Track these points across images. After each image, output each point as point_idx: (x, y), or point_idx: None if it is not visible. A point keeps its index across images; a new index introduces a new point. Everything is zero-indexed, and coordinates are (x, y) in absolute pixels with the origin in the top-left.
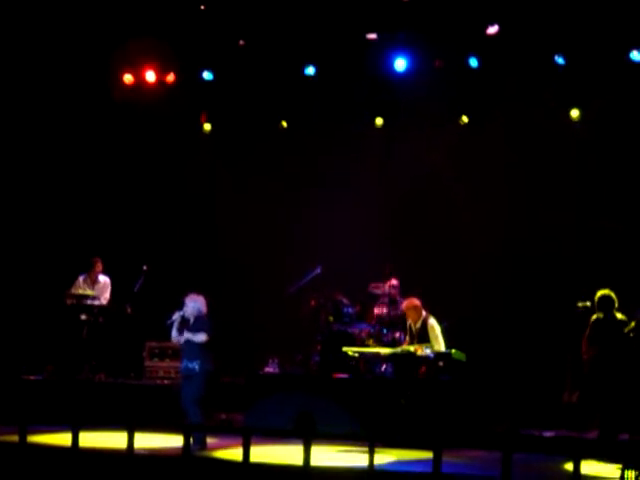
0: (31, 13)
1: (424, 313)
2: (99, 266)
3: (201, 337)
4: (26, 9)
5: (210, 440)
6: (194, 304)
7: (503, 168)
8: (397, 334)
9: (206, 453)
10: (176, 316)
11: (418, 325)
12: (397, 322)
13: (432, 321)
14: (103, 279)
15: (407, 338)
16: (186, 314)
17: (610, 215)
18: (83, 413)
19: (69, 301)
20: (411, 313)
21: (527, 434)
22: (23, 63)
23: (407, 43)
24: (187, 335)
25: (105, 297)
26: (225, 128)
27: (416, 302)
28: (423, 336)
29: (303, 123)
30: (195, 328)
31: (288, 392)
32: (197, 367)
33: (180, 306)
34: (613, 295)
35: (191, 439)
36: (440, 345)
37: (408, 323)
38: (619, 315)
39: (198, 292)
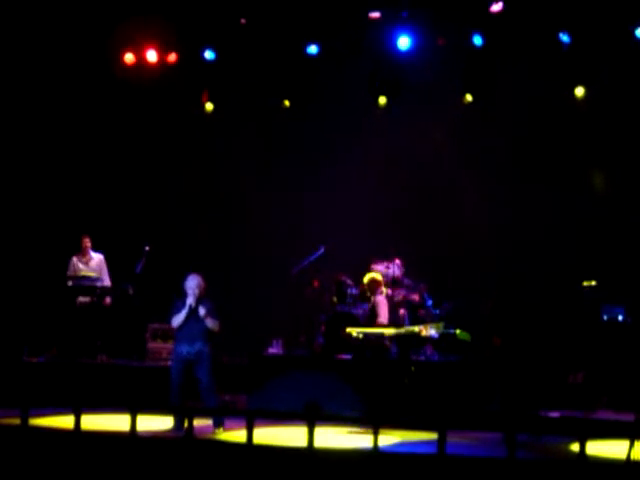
0: None
1: (380, 289)
2: (87, 242)
3: (216, 324)
4: None
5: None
6: (197, 281)
7: (507, 147)
8: (401, 314)
9: (210, 435)
10: (187, 306)
11: (372, 299)
12: (400, 302)
13: (379, 297)
14: (96, 256)
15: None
16: (194, 297)
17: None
18: (85, 395)
19: (71, 283)
20: (368, 287)
21: (533, 415)
22: (23, 42)
23: (410, 21)
24: (209, 322)
25: (106, 277)
26: (227, 107)
27: (371, 276)
28: (373, 310)
29: (305, 102)
30: (208, 313)
31: (292, 374)
32: (207, 349)
33: (181, 291)
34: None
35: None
36: (384, 320)
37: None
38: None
39: (195, 272)
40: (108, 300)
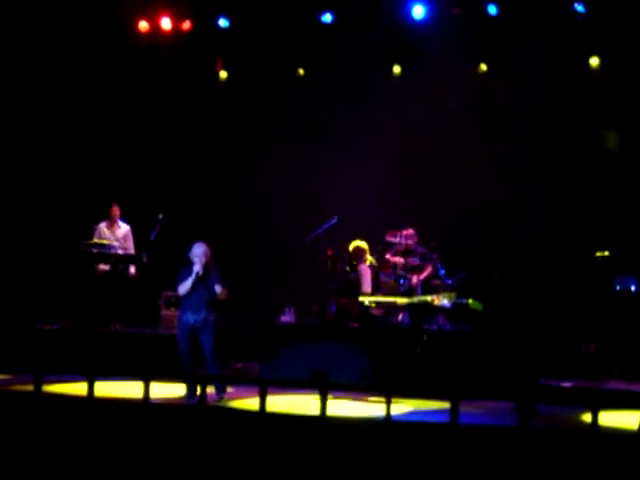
0: None
1: (365, 257)
2: (116, 211)
3: (224, 291)
4: None
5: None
6: (202, 249)
7: (521, 117)
8: (414, 283)
9: (222, 402)
10: (195, 274)
11: (357, 268)
12: (414, 271)
13: (363, 266)
14: (124, 226)
15: None
16: (201, 265)
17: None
18: (99, 363)
19: (86, 250)
20: (354, 255)
21: (545, 384)
22: (39, 11)
23: None
24: (217, 290)
25: (131, 249)
26: (241, 76)
27: (356, 244)
28: (358, 279)
29: (320, 71)
30: (215, 280)
31: (305, 342)
32: (212, 317)
33: (188, 259)
34: None
35: (213, 389)
36: (367, 289)
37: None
38: None
39: (201, 240)
40: (132, 270)
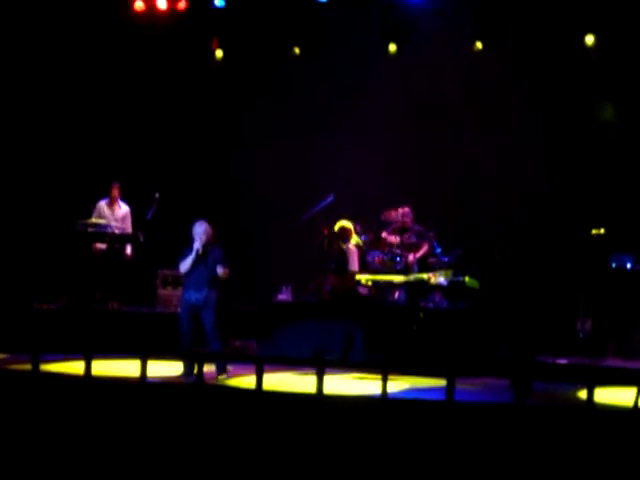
0: None
1: (351, 237)
2: (116, 192)
3: (226, 271)
4: None
5: None
6: (204, 227)
7: (517, 95)
8: (410, 261)
9: (220, 381)
10: (195, 251)
11: (342, 247)
12: (410, 249)
13: (349, 246)
14: (124, 207)
15: None
16: (200, 242)
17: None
18: (96, 342)
19: (83, 229)
20: (340, 235)
21: (541, 362)
22: None
23: None
24: (219, 269)
25: (129, 230)
26: (237, 55)
27: (342, 224)
28: (343, 258)
29: (316, 49)
30: (218, 260)
31: (302, 321)
32: (213, 295)
33: (189, 238)
34: None
35: (214, 367)
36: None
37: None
38: None
39: (202, 218)
40: (129, 251)
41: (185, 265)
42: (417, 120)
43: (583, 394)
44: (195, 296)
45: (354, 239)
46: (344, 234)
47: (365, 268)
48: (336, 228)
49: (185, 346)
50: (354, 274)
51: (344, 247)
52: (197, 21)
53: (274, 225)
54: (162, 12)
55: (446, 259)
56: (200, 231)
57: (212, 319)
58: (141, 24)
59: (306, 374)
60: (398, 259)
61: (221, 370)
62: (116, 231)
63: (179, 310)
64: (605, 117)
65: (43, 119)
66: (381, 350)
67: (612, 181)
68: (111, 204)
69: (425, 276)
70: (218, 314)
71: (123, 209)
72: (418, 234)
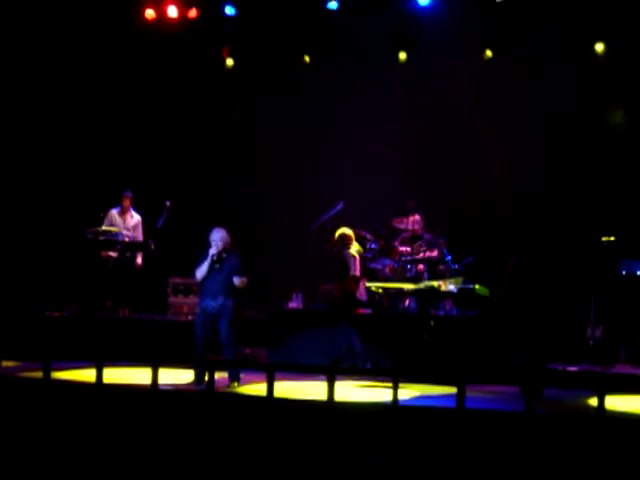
0: None
1: (351, 243)
2: (127, 201)
3: (242, 280)
4: None
5: None
6: (221, 234)
7: (526, 103)
8: (420, 269)
9: (231, 389)
10: (210, 257)
11: (343, 254)
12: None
13: (350, 252)
14: (136, 216)
15: None
16: (216, 248)
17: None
18: (107, 349)
19: (93, 237)
20: (340, 242)
21: (551, 369)
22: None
23: None
24: (236, 279)
25: (139, 237)
26: (247, 63)
27: (342, 231)
28: (344, 264)
29: (325, 58)
30: (235, 269)
31: (312, 328)
32: (229, 303)
33: (206, 243)
34: None
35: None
36: (356, 273)
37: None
38: None
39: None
40: (139, 260)
41: (201, 272)
42: (427, 128)
43: (593, 401)
44: (211, 304)
45: (355, 246)
46: (344, 240)
47: (367, 275)
48: (336, 235)
49: (198, 353)
50: (354, 279)
51: (344, 253)
52: (208, 29)
53: (285, 233)
54: (173, 20)
55: (456, 266)
56: (217, 238)
57: (227, 328)
58: (152, 32)
59: (316, 381)
60: (408, 267)
61: (234, 378)
62: (127, 239)
63: (194, 318)
64: (615, 122)
65: (55, 127)
66: (392, 357)
67: (622, 187)
68: (122, 213)
69: (435, 284)
70: (234, 323)
71: (135, 218)
72: (428, 242)
